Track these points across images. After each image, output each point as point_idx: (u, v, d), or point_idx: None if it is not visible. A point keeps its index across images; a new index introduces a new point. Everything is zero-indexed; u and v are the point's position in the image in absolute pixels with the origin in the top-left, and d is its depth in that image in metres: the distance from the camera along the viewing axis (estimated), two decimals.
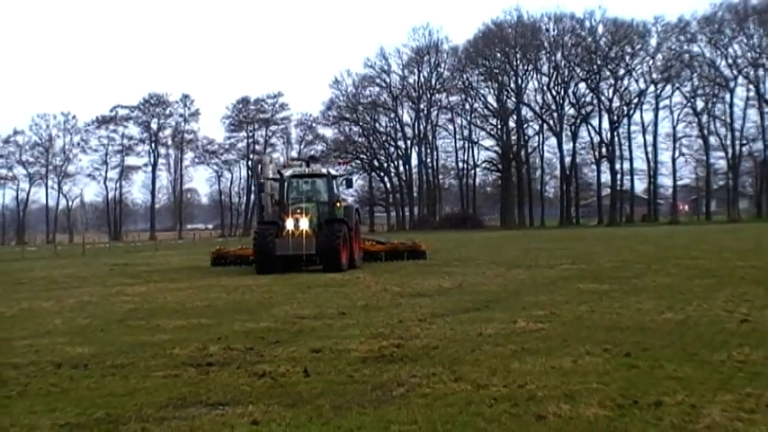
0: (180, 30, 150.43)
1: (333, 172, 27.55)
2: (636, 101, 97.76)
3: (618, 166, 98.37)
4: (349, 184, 28.09)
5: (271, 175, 27.53)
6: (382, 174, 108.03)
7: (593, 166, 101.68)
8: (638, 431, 5.95)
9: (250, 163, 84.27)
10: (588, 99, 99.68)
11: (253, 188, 27.60)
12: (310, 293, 17.57)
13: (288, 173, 26.75)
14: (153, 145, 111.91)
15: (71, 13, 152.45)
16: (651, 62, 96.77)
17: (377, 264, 27.97)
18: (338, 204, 26.01)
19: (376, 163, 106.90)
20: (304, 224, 23.91)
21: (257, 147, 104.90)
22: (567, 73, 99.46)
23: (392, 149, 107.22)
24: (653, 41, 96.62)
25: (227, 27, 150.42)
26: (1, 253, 62.37)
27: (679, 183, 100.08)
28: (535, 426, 6.21)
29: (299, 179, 26.79)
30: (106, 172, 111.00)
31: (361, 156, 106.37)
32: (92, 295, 19.41)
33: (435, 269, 24.16)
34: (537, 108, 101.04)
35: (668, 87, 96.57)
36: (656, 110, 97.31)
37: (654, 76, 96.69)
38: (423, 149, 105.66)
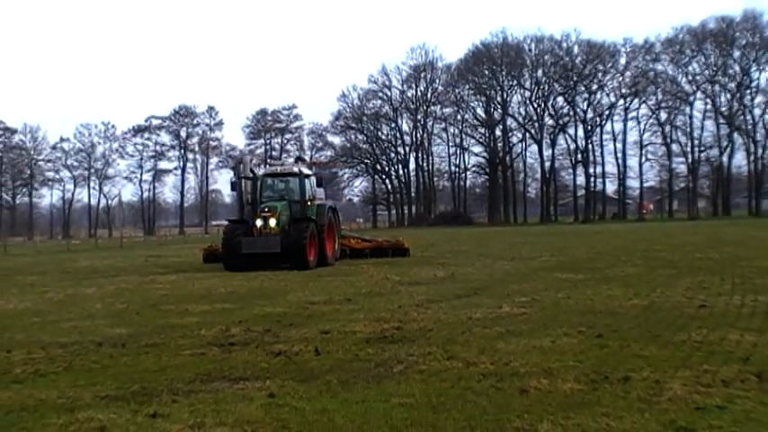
0: (207, 47, 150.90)
1: (306, 171, 25.30)
2: (607, 112, 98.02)
3: (591, 170, 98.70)
4: (319, 184, 25.48)
5: (249, 175, 25.41)
6: (384, 176, 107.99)
7: (570, 170, 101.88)
8: (609, 403, 5.96)
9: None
10: (565, 111, 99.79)
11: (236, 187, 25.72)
12: (320, 282, 17.62)
13: (261, 172, 25.21)
14: (182, 151, 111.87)
15: (111, 33, 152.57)
16: (620, 78, 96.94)
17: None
18: (309, 203, 23.81)
19: (378, 167, 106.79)
20: (272, 223, 22.10)
21: (274, 153, 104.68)
22: (546, 88, 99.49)
23: (392, 155, 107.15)
24: (622, 60, 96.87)
25: (249, 45, 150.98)
26: (49, 246, 62.40)
27: (645, 185, 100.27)
28: (518, 398, 6.23)
29: (274, 178, 24.86)
30: (141, 175, 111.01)
31: (366, 160, 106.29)
32: (128, 283, 19.49)
33: (430, 261, 24.20)
34: (520, 119, 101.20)
35: (635, 101, 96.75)
36: (625, 120, 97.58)
37: (623, 90, 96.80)
38: (419, 155, 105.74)
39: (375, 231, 72.25)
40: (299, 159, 32.25)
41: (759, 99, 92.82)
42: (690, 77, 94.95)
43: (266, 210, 22.34)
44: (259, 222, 22.18)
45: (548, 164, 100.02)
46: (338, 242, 25.98)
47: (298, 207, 23.45)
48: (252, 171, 25.05)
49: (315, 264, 22.08)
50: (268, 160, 33.74)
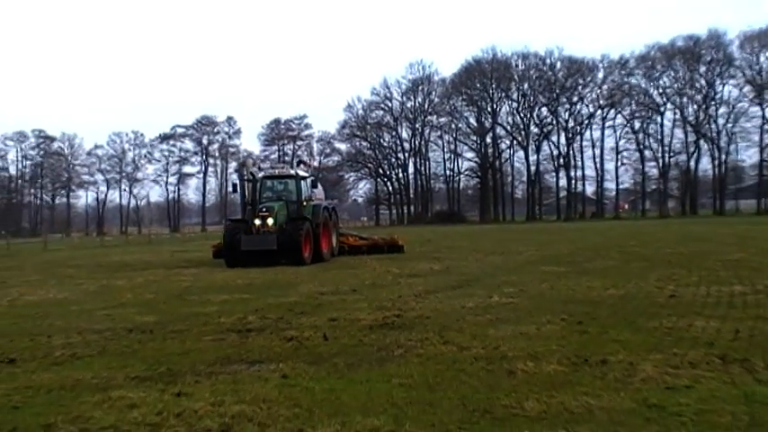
0: (228, 62, 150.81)
1: (302, 174, 24.27)
2: (586, 122, 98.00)
3: (572, 174, 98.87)
4: (314, 185, 24.58)
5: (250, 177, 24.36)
6: (385, 179, 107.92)
7: (553, 174, 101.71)
8: (588, 383, 5.96)
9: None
10: (549, 120, 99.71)
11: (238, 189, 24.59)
12: (328, 274, 17.60)
13: (260, 174, 24.15)
14: (204, 156, 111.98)
15: (140, 49, 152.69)
16: (598, 91, 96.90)
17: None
18: (305, 203, 22.89)
19: (380, 171, 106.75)
20: (269, 222, 21.30)
21: (287, 158, 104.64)
22: (532, 99, 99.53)
23: (393, 160, 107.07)
24: (600, 75, 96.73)
25: (266, 61, 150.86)
26: (85, 242, 62.51)
27: (621, 186, 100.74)
28: (507, 379, 6.23)
29: (272, 180, 23.91)
30: (167, 178, 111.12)
31: (369, 165, 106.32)
32: (156, 275, 19.50)
33: (427, 255, 24.17)
34: (508, 127, 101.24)
35: (612, 111, 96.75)
36: (603, 129, 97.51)
37: (600, 102, 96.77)
38: (417, 160, 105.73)
39: (377, 229, 72.22)
40: (300, 163, 31.89)
41: (722, 110, 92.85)
42: (660, 90, 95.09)
43: (264, 210, 21.68)
44: (257, 221, 21.49)
45: (533, 168, 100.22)
46: (336, 239, 25.23)
47: (294, 207, 22.69)
48: (251, 174, 24.18)
49: (310, 260, 21.29)
50: (272, 165, 32.77)
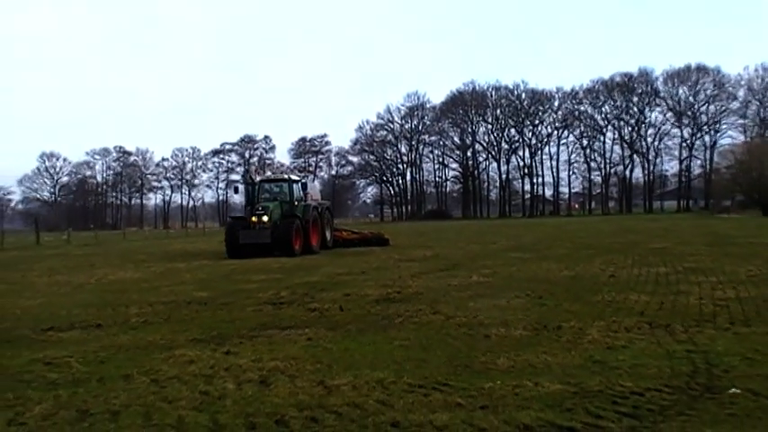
0: (266, 90, 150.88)
1: (294, 177, 22.55)
2: (545, 140, 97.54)
3: (534, 180, 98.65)
4: (304, 188, 22.31)
5: (256, 180, 22.49)
6: (388, 184, 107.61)
7: (519, 180, 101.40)
8: (547, 344, 5.95)
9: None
10: (516, 138, 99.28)
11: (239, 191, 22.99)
12: (343, 260, 17.54)
13: (258, 178, 22.41)
14: (246, 167, 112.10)
15: (195, 81, 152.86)
16: (555, 116, 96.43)
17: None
18: (297, 203, 21.14)
19: (384, 178, 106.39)
20: (265, 219, 19.65)
21: (310, 168, 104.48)
22: (503, 122, 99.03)
23: (394, 169, 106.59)
24: (556, 103, 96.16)
25: (296, 89, 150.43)
26: (154, 234, 62.69)
27: (572, 190, 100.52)
28: (484, 341, 6.22)
29: (269, 183, 22.25)
30: (217, 183, 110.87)
31: (375, 173, 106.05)
32: (209, 260, 19.47)
33: (421, 245, 24.15)
34: (484, 144, 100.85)
35: (565, 132, 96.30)
36: (558, 145, 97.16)
37: (556, 124, 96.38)
38: (413, 169, 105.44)
39: (380, 224, 72.19)
40: (301, 169, 30.96)
41: (650, 131, 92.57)
42: (603, 115, 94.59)
43: (260, 209, 20.10)
44: (254, 219, 19.91)
45: (504, 176, 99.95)
46: (331, 234, 23.34)
47: (287, 206, 20.93)
48: (251, 178, 22.53)
49: (300, 252, 19.66)
50: (275, 168, 30.74)
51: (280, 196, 21.41)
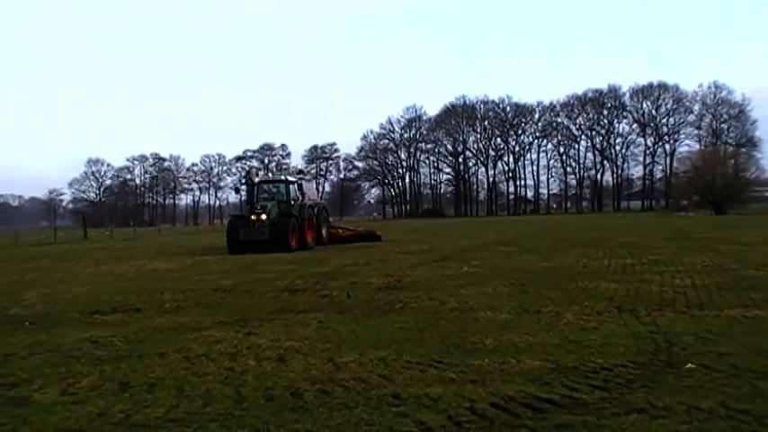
0: (283, 101, 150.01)
1: (290, 179, 21.30)
2: (527, 147, 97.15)
3: (518, 183, 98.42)
4: (300, 188, 20.87)
5: (255, 181, 21.32)
6: (389, 186, 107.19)
7: (505, 183, 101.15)
8: (528, 327, 5.93)
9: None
10: (502, 146, 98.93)
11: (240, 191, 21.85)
12: (349, 253, 17.42)
13: (257, 179, 21.32)
14: (265, 172, 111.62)
15: (220, 94, 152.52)
16: (535, 127, 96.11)
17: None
18: (293, 203, 19.98)
19: (386, 181, 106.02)
20: (263, 217, 18.60)
21: (320, 173, 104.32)
22: (490, 132, 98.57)
23: (395, 173, 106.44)
24: (536, 115, 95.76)
25: (310, 100, 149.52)
26: (185, 230, 62.67)
27: (551, 192, 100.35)
28: (473, 324, 6.21)
29: (267, 184, 21.12)
30: (241, 186, 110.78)
31: (378, 177, 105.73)
32: None
33: (418, 240, 24.09)
34: (474, 151, 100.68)
35: (545, 140, 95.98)
36: (538, 152, 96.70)
37: (537, 134, 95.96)
38: (411, 173, 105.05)
39: (382, 222, 72.07)
40: (299, 172, 30.11)
41: (619, 140, 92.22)
42: (577, 126, 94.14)
43: (258, 208, 19.11)
44: (253, 217, 18.87)
45: (491, 179, 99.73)
46: (327, 231, 22.13)
47: (284, 205, 19.75)
48: (251, 179, 21.42)
49: (296, 248, 18.58)
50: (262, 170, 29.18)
51: (277, 196, 20.39)
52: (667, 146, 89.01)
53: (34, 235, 43.53)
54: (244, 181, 23.40)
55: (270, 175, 24.69)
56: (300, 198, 20.65)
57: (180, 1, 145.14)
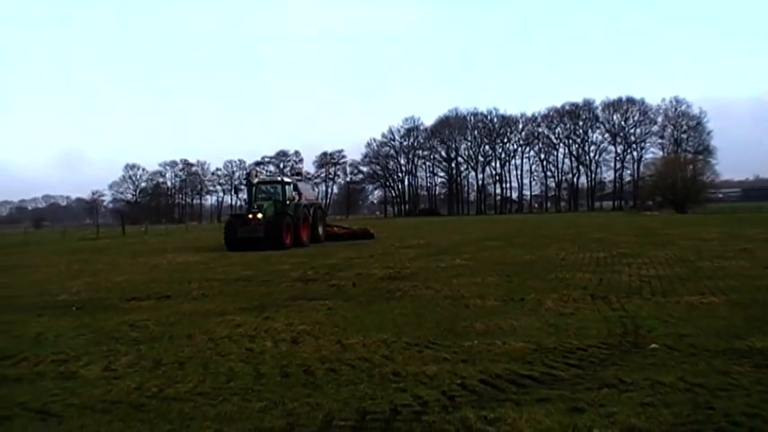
0: (296, 111, 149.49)
1: (286, 180, 20.19)
2: (512, 154, 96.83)
3: (504, 185, 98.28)
4: (296, 189, 19.96)
5: (254, 182, 20.07)
6: (390, 188, 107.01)
7: (492, 185, 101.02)
8: (513, 312, 5.92)
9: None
10: (489, 153, 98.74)
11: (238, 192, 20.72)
12: (354, 248, 17.29)
13: (255, 180, 20.13)
14: (281, 177, 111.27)
15: (240, 105, 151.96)
16: (519, 135, 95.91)
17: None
18: (289, 202, 18.82)
19: (387, 183, 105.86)
20: (259, 216, 17.66)
21: (329, 177, 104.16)
22: (479, 140, 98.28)
23: (395, 177, 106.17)
24: (520, 126, 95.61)
25: (320, 110, 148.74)
26: (210, 227, 62.61)
27: (533, 193, 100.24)
28: (464, 310, 6.20)
29: (265, 185, 19.85)
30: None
31: (380, 180, 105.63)
32: None
33: (415, 236, 24.04)
34: (465, 157, 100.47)
35: (528, 148, 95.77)
36: (522, 159, 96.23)
37: (521, 142, 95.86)
38: (410, 177, 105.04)
39: (383, 220, 71.88)
40: (298, 174, 29.37)
41: (593, 148, 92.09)
42: (556, 135, 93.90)
43: (255, 207, 18.22)
44: (250, 216, 17.99)
45: (480, 182, 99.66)
46: (323, 229, 21.04)
47: (280, 205, 18.61)
48: (250, 181, 20.29)
49: (290, 245, 17.53)
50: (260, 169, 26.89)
51: (274, 196, 19.17)
52: (635, 153, 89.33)
53: (79, 231, 43.60)
54: (245, 182, 22.62)
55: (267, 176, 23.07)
56: (297, 198, 19.67)
57: (207, 17, 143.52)
